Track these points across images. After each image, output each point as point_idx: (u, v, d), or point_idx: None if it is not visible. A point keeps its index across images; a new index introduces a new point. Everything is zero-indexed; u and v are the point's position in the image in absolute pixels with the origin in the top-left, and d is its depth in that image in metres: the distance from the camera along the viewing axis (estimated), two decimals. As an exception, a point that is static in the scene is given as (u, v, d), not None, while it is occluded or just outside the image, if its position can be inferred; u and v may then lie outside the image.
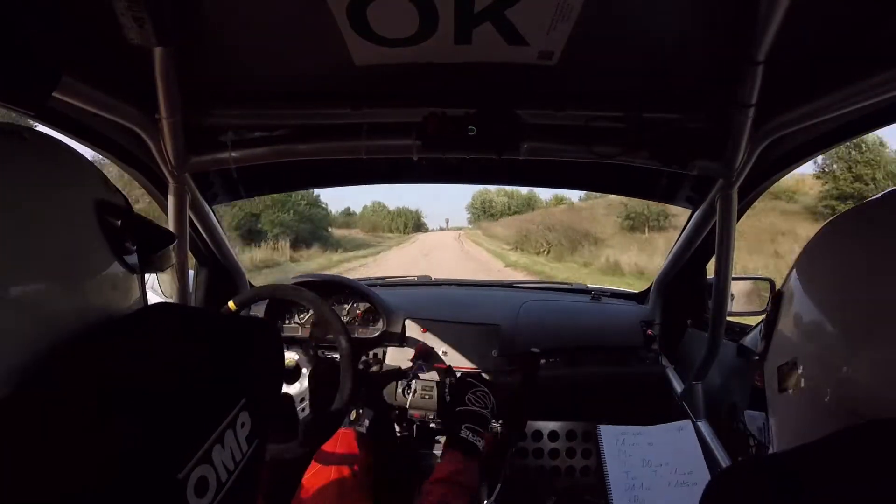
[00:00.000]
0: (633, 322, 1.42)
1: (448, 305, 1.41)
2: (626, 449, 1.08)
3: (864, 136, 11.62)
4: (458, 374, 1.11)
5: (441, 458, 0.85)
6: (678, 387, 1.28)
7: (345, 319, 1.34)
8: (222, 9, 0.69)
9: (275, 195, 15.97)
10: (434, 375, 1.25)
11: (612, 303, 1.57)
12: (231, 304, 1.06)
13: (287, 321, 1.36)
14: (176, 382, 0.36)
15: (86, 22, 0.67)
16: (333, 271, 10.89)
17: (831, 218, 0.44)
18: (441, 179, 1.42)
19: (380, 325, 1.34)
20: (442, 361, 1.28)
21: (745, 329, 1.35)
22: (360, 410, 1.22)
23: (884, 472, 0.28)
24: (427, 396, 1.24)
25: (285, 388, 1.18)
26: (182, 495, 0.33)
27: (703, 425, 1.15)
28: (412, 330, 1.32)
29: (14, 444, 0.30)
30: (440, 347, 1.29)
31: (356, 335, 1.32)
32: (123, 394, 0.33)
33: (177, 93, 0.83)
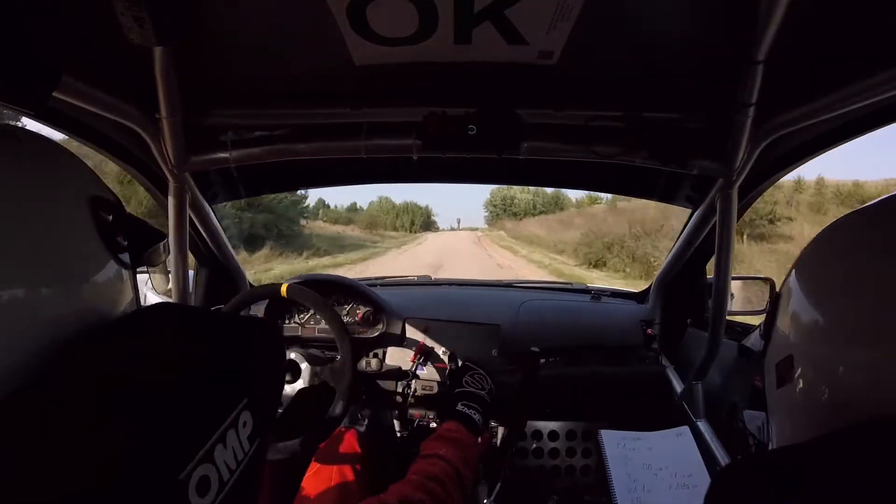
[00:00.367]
0: (633, 322, 1.42)
1: (448, 305, 1.41)
2: (627, 453, 1.09)
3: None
4: (459, 363, 1.10)
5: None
6: (678, 386, 1.28)
7: (345, 319, 1.34)
8: (222, 9, 0.69)
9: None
10: (434, 375, 1.25)
11: (612, 302, 1.57)
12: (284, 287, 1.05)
13: (287, 321, 1.36)
14: (176, 382, 0.36)
15: (86, 22, 0.67)
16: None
17: (832, 221, 0.44)
18: (441, 179, 1.43)
19: (380, 325, 1.34)
20: (442, 361, 1.27)
21: (748, 329, 1.35)
22: (361, 411, 1.22)
23: (884, 471, 0.28)
24: (427, 397, 1.23)
25: (286, 388, 1.18)
26: (184, 495, 0.33)
27: (702, 425, 1.15)
28: (412, 330, 1.32)
29: (14, 444, 0.30)
30: (440, 347, 1.29)
31: (356, 335, 1.32)
32: (123, 394, 0.33)
33: (177, 92, 0.83)
